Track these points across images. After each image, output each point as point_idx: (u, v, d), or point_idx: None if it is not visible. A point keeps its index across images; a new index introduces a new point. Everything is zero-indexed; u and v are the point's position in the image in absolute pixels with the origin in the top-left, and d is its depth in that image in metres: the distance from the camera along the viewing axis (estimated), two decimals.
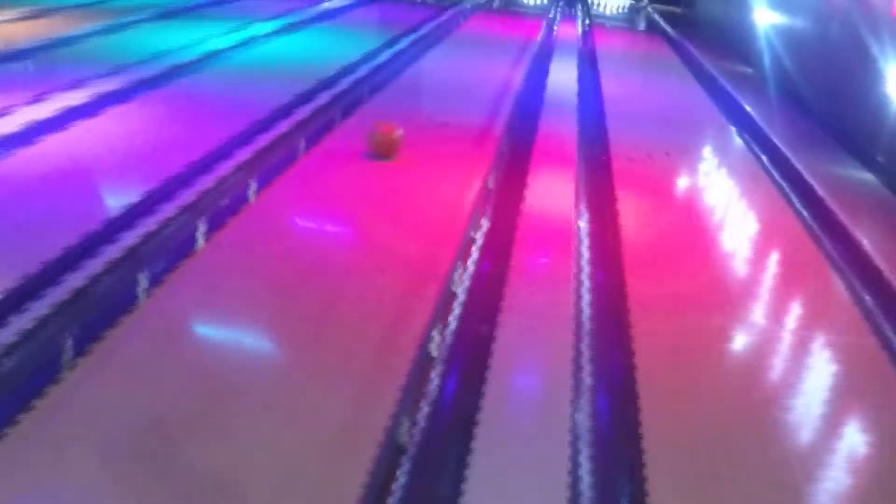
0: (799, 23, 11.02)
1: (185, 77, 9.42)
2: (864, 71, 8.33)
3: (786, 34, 11.51)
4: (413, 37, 12.83)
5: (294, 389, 3.85)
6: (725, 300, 5.21)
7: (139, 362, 4.00)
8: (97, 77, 8.73)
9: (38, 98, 7.83)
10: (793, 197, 7.37)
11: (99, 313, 4.39)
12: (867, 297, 5.46)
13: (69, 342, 4.03)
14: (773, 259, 6.13)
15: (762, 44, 12.43)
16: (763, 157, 8.50)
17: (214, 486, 3.21)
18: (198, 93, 8.87)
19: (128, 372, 3.92)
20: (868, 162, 8.09)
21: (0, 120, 7.16)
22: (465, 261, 5.41)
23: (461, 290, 5.07)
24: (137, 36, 11.56)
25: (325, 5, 15.43)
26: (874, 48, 8.14)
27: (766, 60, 12.13)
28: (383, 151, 6.99)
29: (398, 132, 7.08)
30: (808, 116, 9.84)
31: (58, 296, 4.29)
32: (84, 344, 4.08)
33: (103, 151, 6.79)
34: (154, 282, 4.76)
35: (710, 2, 17.19)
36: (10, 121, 7.16)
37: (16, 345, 3.91)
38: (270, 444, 3.44)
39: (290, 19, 13.47)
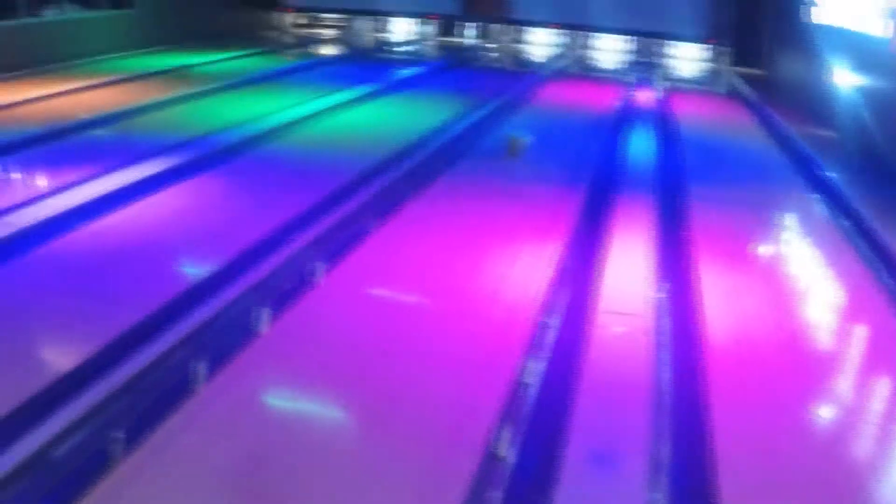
0: (882, 83, 10.64)
1: (260, 147, 9.45)
2: None
3: (867, 94, 11.13)
4: (489, 107, 12.72)
5: (354, 486, 3.63)
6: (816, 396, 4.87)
7: (193, 454, 3.83)
8: (172, 148, 8.86)
9: (114, 168, 7.90)
10: (880, 267, 7.00)
11: (155, 401, 4.25)
12: None
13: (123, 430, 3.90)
14: (859, 344, 5.77)
15: (843, 106, 12.06)
16: (846, 224, 8.15)
17: None
18: (271, 165, 8.87)
19: (183, 463, 3.75)
20: None
21: (75, 190, 7.22)
22: (538, 351, 5.15)
23: (533, 382, 4.81)
24: (218, 104, 11.74)
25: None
26: None
27: (848, 123, 11.75)
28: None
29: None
30: (893, 183, 9.45)
31: (114, 383, 4.17)
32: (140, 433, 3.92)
33: (174, 226, 6.84)
34: (218, 363, 4.61)
35: (792, 63, 16.83)
36: (85, 191, 7.22)
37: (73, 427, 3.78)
38: None
39: (368, 88, 13.52)
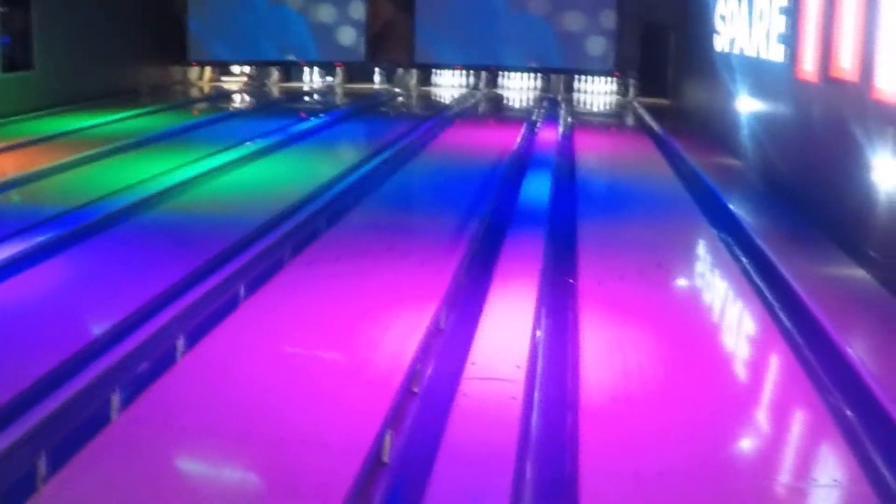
0: (781, 109, 10.58)
1: (145, 213, 9.13)
2: (848, 158, 7.83)
3: (768, 122, 11.07)
4: (385, 154, 12.49)
5: None
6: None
7: None
8: (52, 219, 8.50)
9: None
10: (777, 308, 6.81)
11: None
12: (863, 436, 4.83)
13: None
14: (754, 401, 5.51)
15: (746, 133, 12.01)
16: (745, 262, 7.97)
17: None
18: (152, 232, 8.56)
19: None
20: (860, 256, 7.53)
21: None
22: (399, 425, 4.83)
23: (391, 459, 4.49)
24: (113, 166, 11.43)
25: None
26: (858, 133, 7.64)
27: (751, 152, 11.70)
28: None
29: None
30: (795, 210, 9.33)
31: None
32: None
33: (36, 305, 6.47)
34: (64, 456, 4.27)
35: (696, 92, 16.86)
36: None
37: None
38: None
39: (266, 142, 13.24)
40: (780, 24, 10.45)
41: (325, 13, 21.73)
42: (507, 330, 5.90)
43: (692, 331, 6.38)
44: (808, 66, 9.12)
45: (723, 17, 13.97)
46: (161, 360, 5.54)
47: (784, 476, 4.40)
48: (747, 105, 12.11)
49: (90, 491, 4.02)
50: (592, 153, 13.56)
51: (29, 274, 7.15)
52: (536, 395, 5.17)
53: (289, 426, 4.66)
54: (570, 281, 7.24)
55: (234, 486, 4.20)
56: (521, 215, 9.23)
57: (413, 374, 5.30)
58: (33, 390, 4.94)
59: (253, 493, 4.10)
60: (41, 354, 5.44)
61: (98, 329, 5.91)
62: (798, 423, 5.14)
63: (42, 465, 4.24)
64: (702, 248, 8.86)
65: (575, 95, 20.99)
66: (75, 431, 4.60)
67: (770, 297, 7.04)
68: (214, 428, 4.66)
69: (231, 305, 6.53)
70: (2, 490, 4.05)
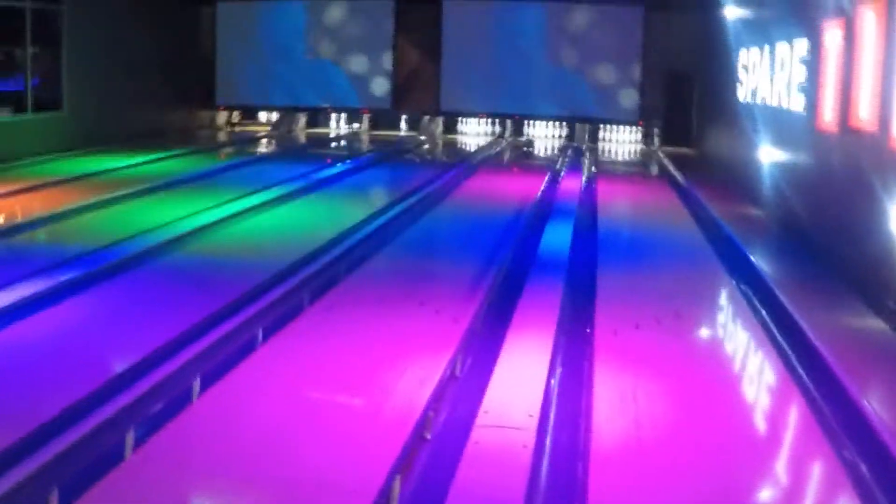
0: (802, 158, 10.59)
1: (167, 255, 9.25)
2: (867, 208, 7.82)
3: (790, 171, 11.09)
4: (409, 201, 12.57)
5: None
6: None
7: None
8: (75, 259, 8.62)
9: (12, 281, 7.64)
10: (794, 359, 6.78)
11: None
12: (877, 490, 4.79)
13: None
14: (766, 443, 5.46)
15: (767, 183, 12.02)
16: (763, 312, 7.94)
17: None
18: (173, 274, 8.66)
19: None
20: (879, 307, 7.50)
21: None
22: (409, 470, 4.84)
23: None
24: (137, 208, 11.60)
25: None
26: (876, 183, 7.64)
27: (772, 201, 11.70)
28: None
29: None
30: (816, 260, 9.31)
31: None
32: None
33: (58, 343, 6.59)
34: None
35: (719, 140, 16.90)
36: None
37: None
38: None
39: (290, 187, 13.36)
40: (800, 74, 10.50)
41: (354, 61, 21.97)
42: (521, 378, 5.90)
43: (707, 381, 6.37)
44: (828, 116, 9.16)
45: (745, 68, 14.04)
46: (177, 401, 5.59)
47: None
48: (769, 154, 12.14)
49: None
50: (614, 202, 13.60)
51: (51, 312, 7.26)
52: (548, 443, 5.17)
53: (301, 468, 4.70)
54: (587, 331, 7.25)
55: None
56: (540, 263, 9.25)
57: (425, 420, 5.32)
58: (48, 427, 5.00)
59: None
60: (59, 391, 5.51)
61: (115, 368, 5.99)
62: (812, 475, 5.12)
63: (54, 501, 4.28)
64: (720, 298, 8.84)
65: (599, 144, 21.05)
66: (88, 469, 4.64)
67: (787, 349, 7.00)
68: (227, 468, 4.71)
69: (249, 348, 6.59)
70: None
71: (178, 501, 4.40)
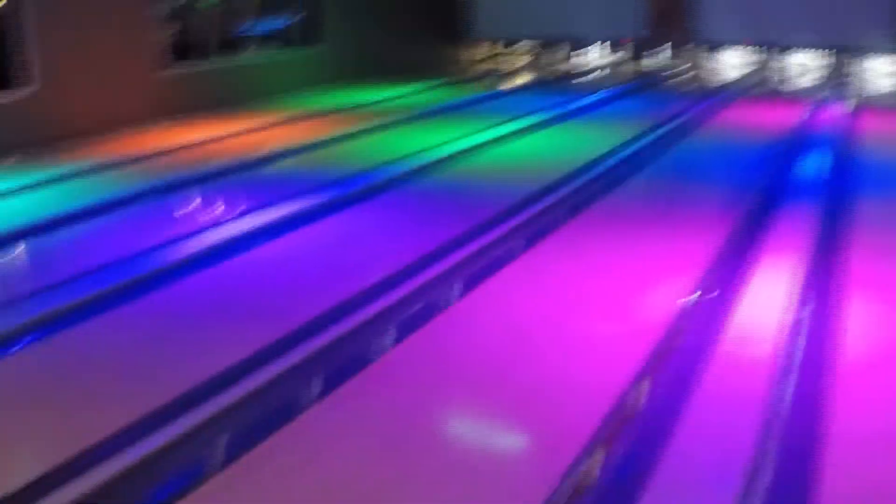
0: None
1: (425, 178, 9.76)
2: None
3: None
4: (665, 128, 12.53)
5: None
6: None
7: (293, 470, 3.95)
8: (340, 181, 9.31)
9: (279, 200, 8.43)
10: None
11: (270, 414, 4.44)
12: None
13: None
14: None
15: None
16: None
17: None
18: (430, 195, 9.10)
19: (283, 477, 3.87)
20: None
21: (229, 225, 7.64)
22: (654, 376, 5.01)
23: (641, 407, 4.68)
24: (396, 137, 12.17)
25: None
26: None
27: None
28: None
29: None
30: None
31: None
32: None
33: (323, 253, 7.22)
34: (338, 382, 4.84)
35: None
36: (240, 225, 7.70)
37: None
38: None
39: (546, 115, 13.57)
40: None
41: None
42: (770, 300, 5.93)
43: None
44: None
45: None
46: (432, 307, 5.99)
47: None
48: None
49: (348, 420, 4.50)
50: (879, 133, 13.01)
51: (315, 227, 7.93)
52: (795, 360, 5.19)
53: (546, 371, 4.98)
54: (841, 257, 7.11)
55: (488, 424, 4.57)
56: (796, 190, 9.09)
57: (673, 331, 5.48)
58: (311, 324, 5.52)
59: (507, 429, 4.44)
60: (320, 295, 6.05)
61: (375, 276, 6.43)
62: None
63: (318, 385, 4.76)
64: None
65: (862, 74, 20.02)
66: (340, 368, 5.11)
67: None
68: (477, 370, 5.04)
69: (502, 262, 6.90)
70: (270, 410, 4.61)
71: (427, 399, 4.76)
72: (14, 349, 5.46)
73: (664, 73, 20.33)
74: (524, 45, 23.50)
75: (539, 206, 8.16)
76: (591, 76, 20.94)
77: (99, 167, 10.20)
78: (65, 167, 10.10)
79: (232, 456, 4.16)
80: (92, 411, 4.57)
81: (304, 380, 4.92)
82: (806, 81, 19.52)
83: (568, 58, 22.55)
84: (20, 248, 7.47)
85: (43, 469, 3.96)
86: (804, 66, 20.72)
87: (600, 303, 6.05)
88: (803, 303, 5.97)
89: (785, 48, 20.83)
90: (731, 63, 21.45)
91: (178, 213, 8.39)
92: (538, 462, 4.14)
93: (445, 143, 11.37)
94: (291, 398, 4.74)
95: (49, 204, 8.54)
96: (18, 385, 4.98)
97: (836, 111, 14.75)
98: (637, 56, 22.00)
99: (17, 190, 9.14)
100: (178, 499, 3.82)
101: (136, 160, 10.57)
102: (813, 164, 10.31)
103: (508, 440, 4.46)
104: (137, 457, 4.04)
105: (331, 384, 4.86)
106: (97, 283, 6.44)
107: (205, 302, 6.16)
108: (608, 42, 22.42)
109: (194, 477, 4.00)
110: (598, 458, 4.07)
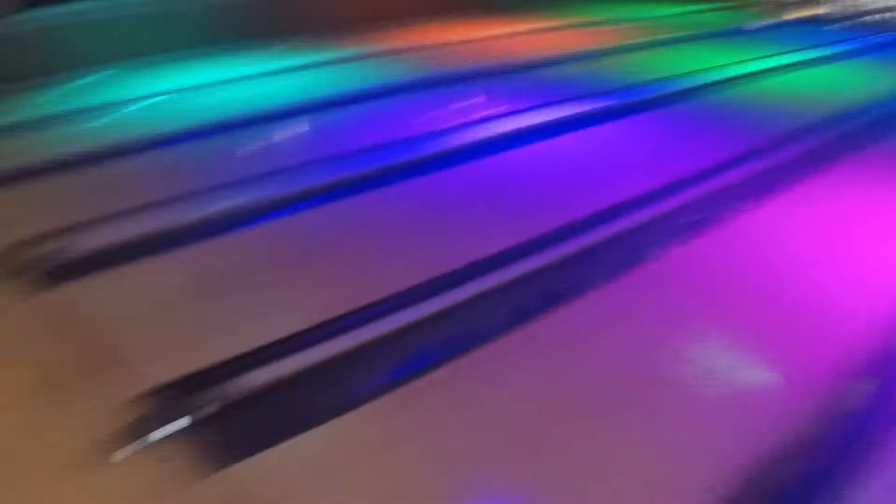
0: None
1: (699, 97, 9.56)
2: None
3: None
4: None
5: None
6: None
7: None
8: (615, 90, 9.32)
9: (554, 103, 8.54)
10: None
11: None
12: None
13: None
14: None
15: None
16: None
17: None
18: (705, 113, 8.95)
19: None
20: None
21: (500, 122, 7.87)
22: None
23: None
24: (675, 54, 11.97)
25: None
26: None
27: None
28: None
29: None
30: None
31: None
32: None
33: (599, 154, 7.29)
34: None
35: None
36: (508, 123, 7.90)
37: None
38: None
39: (829, 51, 12.99)
40: None
41: None
42: None
43: None
44: None
45: None
46: (697, 223, 5.99)
47: None
48: None
49: (612, 315, 4.64)
50: None
51: (587, 132, 8.01)
52: None
53: (812, 296, 4.93)
54: None
55: (747, 344, 4.57)
56: None
57: None
58: (578, 224, 5.67)
59: (764, 349, 4.46)
60: (587, 196, 6.13)
61: (644, 184, 6.51)
62: None
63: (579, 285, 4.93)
64: None
65: None
66: (614, 265, 5.26)
67: None
68: (738, 292, 5.04)
69: (769, 189, 6.78)
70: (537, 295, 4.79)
71: (692, 301, 4.81)
72: (291, 211, 5.84)
73: None
74: None
75: (815, 139, 7.91)
76: (886, 15, 19.77)
77: (382, 53, 10.58)
78: (340, 51, 10.49)
79: (502, 329, 4.38)
80: (362, 276, 4.89)
81: (569, 273, 5.08)
82: None
83: None
84: (302, 122, 7.88)
85: (309, 323, 4.29)
86: None
87: (876, 236, 5.88)
88: None
89: None
90: None
91: (459, 105, 8.65)
92: (795, 389, 4.14)
93: (726, 65, 11.13)
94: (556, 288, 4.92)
95: (330, 84, 8.93)
96: (296, 244, 5.35)
97: None
98: None
99: (295, 68, 9.54)
100: (446, 362, 4.09)
101: (416, 49, 10.90)
102: None
103: (766, 363, 4.47)
104: (401, 322, 4.32)
105: (598, 279, 4.99)
106: (376, 160, 6.79)
107: (480, 187, 6.40)
108: None
109: (464, 346, 4.26)
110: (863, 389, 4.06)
